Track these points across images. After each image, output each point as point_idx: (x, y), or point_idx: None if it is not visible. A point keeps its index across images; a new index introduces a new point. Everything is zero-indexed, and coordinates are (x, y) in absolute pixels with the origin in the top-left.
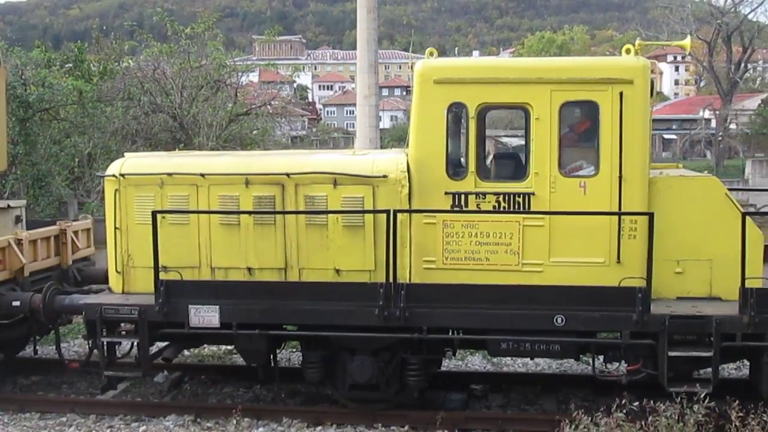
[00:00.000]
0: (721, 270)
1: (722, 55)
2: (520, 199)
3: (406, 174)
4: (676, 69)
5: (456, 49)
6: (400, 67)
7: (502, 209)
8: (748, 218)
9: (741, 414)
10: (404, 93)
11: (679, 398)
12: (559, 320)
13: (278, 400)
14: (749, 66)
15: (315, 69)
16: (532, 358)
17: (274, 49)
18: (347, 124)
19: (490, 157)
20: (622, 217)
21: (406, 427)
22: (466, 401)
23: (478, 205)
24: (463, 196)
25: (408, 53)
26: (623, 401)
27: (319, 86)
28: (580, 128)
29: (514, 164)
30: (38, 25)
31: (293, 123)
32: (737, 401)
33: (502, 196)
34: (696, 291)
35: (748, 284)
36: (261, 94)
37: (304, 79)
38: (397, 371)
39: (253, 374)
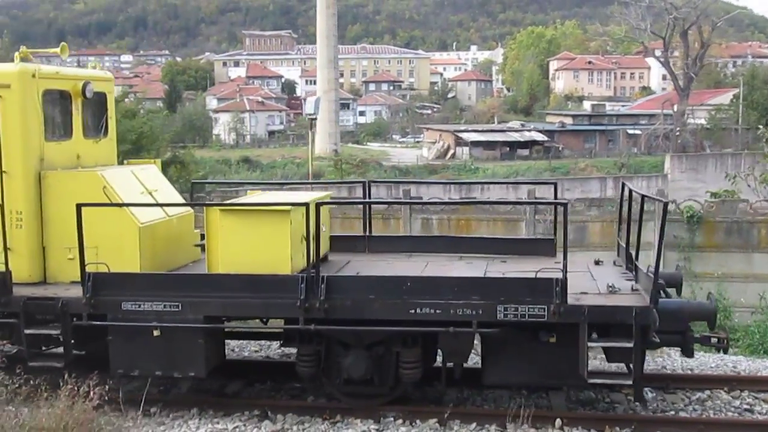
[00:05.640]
0: (103, 255)
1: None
2: None
3: None
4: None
5: (455, 43)
6: (389, 62)
7: None
8: (123, 209)
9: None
10: (391, 87)
11: None
12: None
13: None
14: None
15: (305, 64)
16: None
17: (265, 44)
18: None
19: None
20: (8, 208)
21: None
22: None
23: None
24: None
25: (406, 49)
26: None
27: (307, 81)
28: None
29: None
30: (43, 20)
31: (270, 117)
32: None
33: None
34: None
35: (90, 269)
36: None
37: (294, 74)
38: None
39: None
